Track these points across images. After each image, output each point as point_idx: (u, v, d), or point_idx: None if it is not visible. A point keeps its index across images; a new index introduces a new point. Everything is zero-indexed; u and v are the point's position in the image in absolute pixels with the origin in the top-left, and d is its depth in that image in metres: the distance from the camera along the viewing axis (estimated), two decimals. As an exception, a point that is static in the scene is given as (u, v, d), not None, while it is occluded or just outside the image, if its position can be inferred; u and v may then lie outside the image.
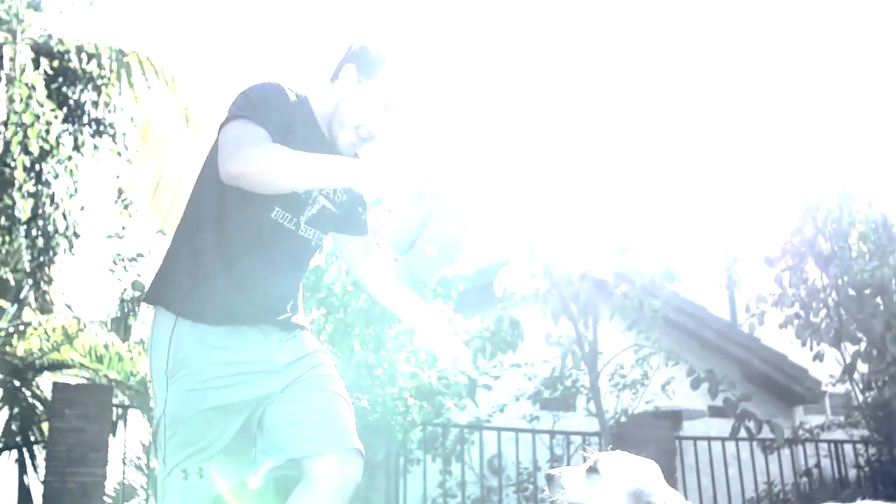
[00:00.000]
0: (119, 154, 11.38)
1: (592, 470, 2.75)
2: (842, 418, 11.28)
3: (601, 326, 8.26)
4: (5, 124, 9.47)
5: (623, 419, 9.06)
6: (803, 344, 8.84)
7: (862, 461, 9.85)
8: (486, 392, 7.64)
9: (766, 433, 8.52)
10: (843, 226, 8.42)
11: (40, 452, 10.00)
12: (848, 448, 10.07)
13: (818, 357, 8.93)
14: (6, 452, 10.11)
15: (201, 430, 2.81)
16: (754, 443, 9.14)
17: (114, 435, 7.02)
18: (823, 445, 10.07)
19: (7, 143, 9.57)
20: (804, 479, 9.75)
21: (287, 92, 2.90)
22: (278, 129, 2.76)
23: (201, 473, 2.80)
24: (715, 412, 11.24)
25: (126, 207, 11.15)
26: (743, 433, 8.08)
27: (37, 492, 9.62)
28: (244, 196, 2.73)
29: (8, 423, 10.54)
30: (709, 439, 9.10)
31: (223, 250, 2.83)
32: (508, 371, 8.13)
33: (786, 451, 10.11)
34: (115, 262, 6.77)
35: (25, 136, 9.67)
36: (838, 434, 10.82)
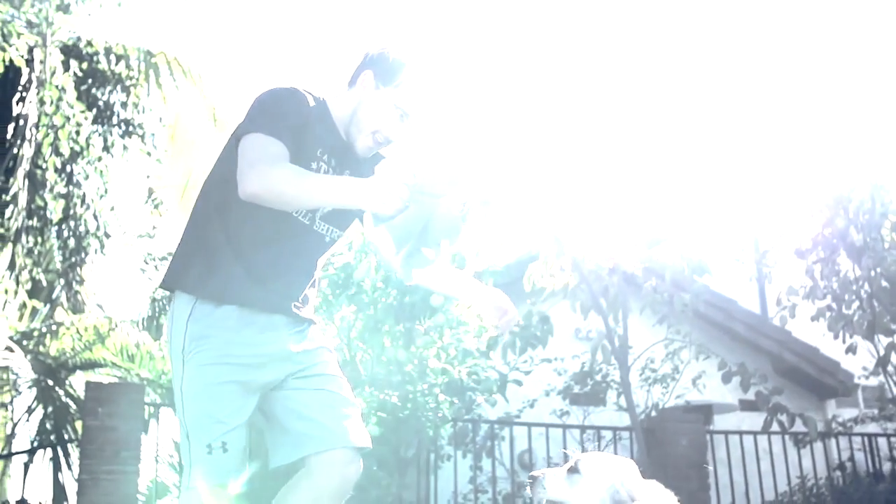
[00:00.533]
0: (149, 154, 11.47)
1: (573, 470, 2.84)
2: (875, 411, 11.17)
3: (631, 320, 8.22)
4: (37, 126, 9.57)
5: (654, 414, 9.02)
6: (836, 336, 8.75)
7: (896, 454, 9.77)
8: (517, 387, 7.62)
9: (799, 427, 8.45)
10: (876, 217, 8.31)
11: (74, 451, 10.10)
12: (882, 441, 9.97)
13: (851, 349, 8.84)
14: (41, 451, 10.20)
15: (220, 402, 2.85)
16: (786, 437, 9.07)
17: (146, 433, 7.08)
18: (857, 439, 9.98)
19: (39, 145, 9.66)
20: (837, 473, 9.67)
21: (303, 96, 2.99)
22: (294, 136, 2.86)
23: (225, 448, 2.83)
24: (746, 406, 11.18)
25: (156, 207, 11.24)
26: (775, 427, 8.03)
27: (71, 489, 9.72)
28: None
29: (42, 422, 10.65)
30: (740, 433, 9.04)
31: (239, 239, 2.92)
32: (538, 366, 8.11)
33: (818, 445, 10.02)
34: (145, 262, 6.84)
35: (56, 137, 9.76)
36: (872, 427, 10.71)
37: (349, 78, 3.15)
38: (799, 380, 12.26)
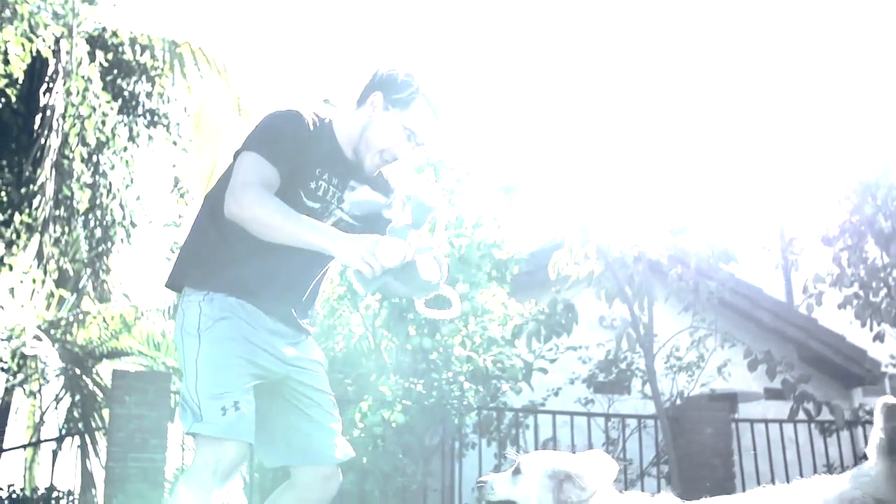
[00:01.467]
0: (174, 143, 11.53)
1: (516, 471, 3.12)
2: (903, 400, 11.09)
3: (656, 308, 8.19)
4: (63, 117, 9.63)
5: (679, 402, 8.99)
6: (863, 324, 8.68)
7: (924, 443, 9.67)
8: (541, 376, 7.62)
9: (825, 415, 8.39)
10: (904, 203, 8.24)
11: (101, 438, 10.19)
12: (910, 430, 9.89)
13: (878, 337, 8.76)
14: (69, 439, 10.31)
15: (232, 372, 3.02)
16: (812, 425, 9.02)
17: (172, 421, 7.13)
18: (884, 427, 9.90)
19: (65, 136, 9.73)
20: (864, 461, 9.60)
21: (303, 119, 3.14)
22: (290, 159, 3.05)
23: (237, 406, 2.96)
24: (771, 395, 11.12)
25: (182, 196, 11.30)
26: (801, 415, 7.98)
27: (99, 477, 9.81)
28: None
29: (70, 411, 10.76)
30: (766, 422, 9.00)
31: (247, 245, 3.06)
32: (563, 354, 8.10)
33: (844, 434, 9.95)
34: (171, 251, 6.87)
35: (83, 127, 9.83)
36: (900, 416, 10.62)
37: (358, 97, 3.28)
38: (825, 368, 12.19)
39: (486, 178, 6.90)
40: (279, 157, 3.03)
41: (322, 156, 3.18)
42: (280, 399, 3.25)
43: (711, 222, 8.41)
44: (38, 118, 9.39)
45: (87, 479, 9.85)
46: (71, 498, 6.48)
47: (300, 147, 3.11)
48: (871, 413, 10.28)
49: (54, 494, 6.26)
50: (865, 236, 8.53)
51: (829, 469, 8.87)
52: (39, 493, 6.42)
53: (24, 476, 11.06)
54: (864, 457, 8.68)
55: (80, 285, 12.12)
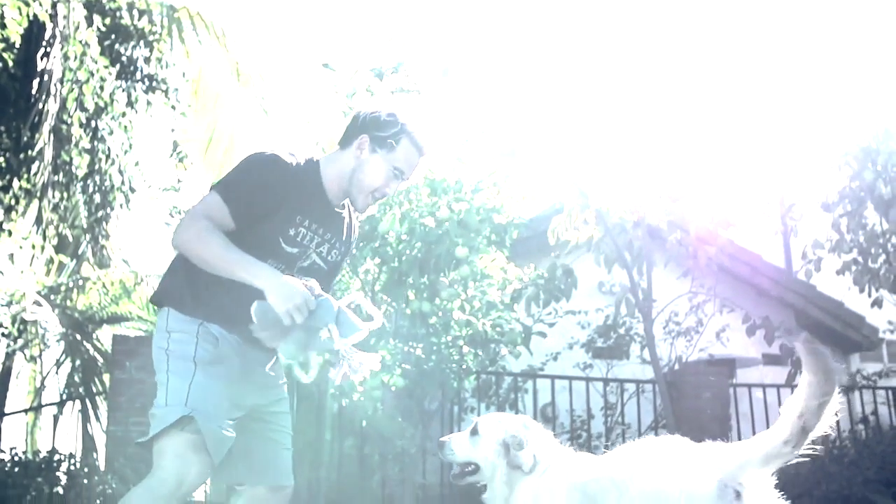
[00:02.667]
0: (173, 108, 11.47)
1: (474, 432, 3.37)
2: (900, 365, 11.15)
3: (655, 274, 8.20)
4: (61, 81, 9.57)
5: (677, 367, 9.03)
6: (861, 290, 8.70)
7: (920, 408, 9.74)
8: (540, 340, 7.64)
9: (822, 380, 8.43)
10: (905, 170, 8.22)
11: (102, 403, 10.23)
12: (906, 395, 9.95)
13: (877, 303, 8.79)
14: (70, 403, 10.36)
15: (222, 398, 3.18)
16: (810, 390, 9.06)
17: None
18: (881, 392, 9.96)
19: (63, 100, 9.68)
20: (860, 426, 9.66)
21: (284, 165, 3.26)
22: (259, 208, 3.21)
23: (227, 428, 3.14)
24: (769, 360, 11.17)
25: (181, 160, 11.27)
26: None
27: (100, 440, 9.87)
28: (248, 242, 3.17)
29: (71, 375, 10.81)
30: (763, 386, 9.05)
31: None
32: (562, 318, 8.12)
33: (842, 399, 10.00)
34: (171, 215, 6.87)
35: (81, 92, 9.77)
36: (896, 381, 10.70)
37: (342, 137, 3.42)
38: (823, 334, 12.22)
39: (485, 142, 6.88)
40: (239, 203, 3.17)
41: (304, 202, 3.32)
42: (248, 421, 3.37)
43: (711, 188, 8.41)
44: (35, 83, 9.33)
45: (88, 442, 9.92)
46: (73, 461, 6.52)
47: (277, 195, 3.24)
48: (868, 378, 10.36)
49: (56, 457, 6.29)
50: (865, 202, 8.53)
51: (826, 434, 8.91)
52: (41, 455, 6.44)
53: (26, 440, 11.14)
54: (862, 421, 8.77)
55: (80, 251, 12.13)
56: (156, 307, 3.48)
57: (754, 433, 8.58)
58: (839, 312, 12.09)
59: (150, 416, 3.20)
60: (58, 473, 6.30)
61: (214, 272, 3.13)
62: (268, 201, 3.23)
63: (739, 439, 8.40)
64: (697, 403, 8.30)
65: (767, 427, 8.54)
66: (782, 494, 7.84)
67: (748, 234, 11.02)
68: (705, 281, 8.67)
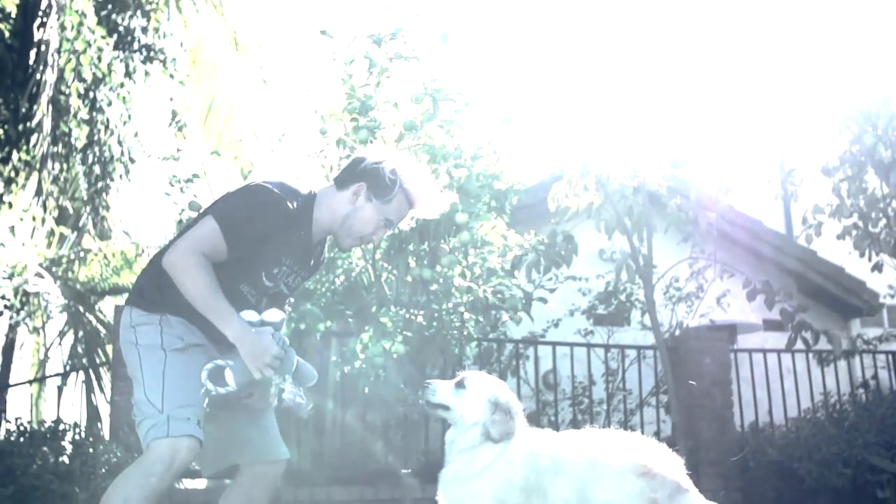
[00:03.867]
0: (171, 76, 11.43)
1: (460, 385, 3.52)
2: (900, 329, 11.18)
3: (655, 240, 8.20)
4: (59, 52, 9.54)
5: (678, 333, 9.06)
6: (862, 255, 8.71)
7: (920, 372, 9.77)
8: (541, 307, 7.66)
9: (823, 345, 8.45)
10: (906, 134, 8.20)
11: (105, 373, 10.27)
12: (906, 359, 9.99)
13: (877, 268, 8.80)
14: (73, 374, 10.40)
15: (196, 394, 3.31)
16: (810, 355, 9.10)
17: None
18: (881, 357, 10.00)
19: (61, 71, 9.65)
20: (861, 390, 9.71)
21: (283, 208, 3.37)
22: (251, 245, 3.36)
23: (199, 422, 3.28)
24: (770, 326, 11.20)
25: (180, 129, 11.24)
26: (799, 345, 8.03)
27: (104, 411, 9.92)
28: (230, 269, 3.36)
29: (74, 346, 10.85)
30: (764, 351, 9.08)
31: None
32: (563, 285, 8.13)
33: (842, 364, 10.05)
34: (171, 185, 6.86)
35: (78, 63, 9.74)
36: (896, 346, 10.73)
37: (340, 176, 3.58)
38: (824, 299, 12.26)
39: (485, 108, 6.86)
40: (238, 241, 3.32)
41: (293, 246, 3.50)
42: (226, 409, 3.53)
43: (711, 153, 8.39)
44: (32, 53, 9.30)
45: (92, 412, 9.97)
46: (77, 430, 6.56)
47: (272, 240, 3.40)
48: (868, 342, 10.39)
49: (61, 427, 6.32)
50: (865, 166, 8.51)
51: (826, 397, 8.96)
52: (46, 425, 6.48)
53: (31, 411, 11.19)
54: (863, 385, 8.80)
55: (81, 223, 12.14)
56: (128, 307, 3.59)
57: (755, 398, 8.63)
58: (840, 278, 12.10)
59: (134, 412, 3.36)
60: (63, 443, 6.33)
61: (194, 306, 3.29)
62: (263, 245, 3.40)
63: (740, 404, 8.49)
64: (698, 369, 8.31)
65: (768, 392, 8.54)
66: (783, 458, 7.87)
67: (748, 199, 11.01)
68: (705, 247, 8.67)
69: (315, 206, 3.52)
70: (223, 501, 3.69)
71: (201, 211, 3.60)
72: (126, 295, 10.54)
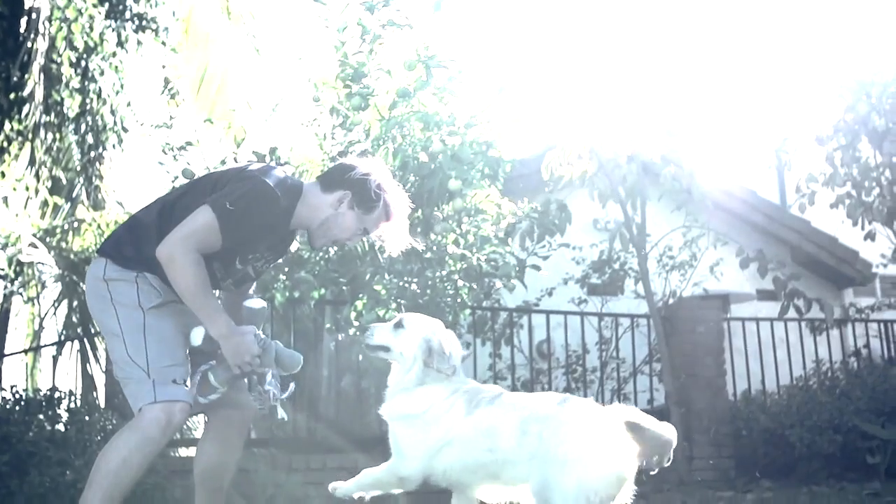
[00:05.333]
0: (163, 44, 11.35)
1: (399, 325, 3.66)
2: (893, 299, 11.21)
3: (649, 208, 8.22)
4: (49, 20, 9.47)
5: (671, 301, 9.09)
6: (855, 223, 8.74)
7: (912, 340, 9.83)
8: (535, 276, 7.68)
9: (815, 314, 8.50)
10: (900, 101, 8.20)
11: (100, 343, 10.25)
12: (898, 327, 10.04)
13: (870, 236, 8.84)
14: (69, 343, 10.39)
15: (178, 347, 3.47)
16: (803, 324, 9.14)
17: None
18: (873, 326, 10.04)
19: (52, 39, 9.58)
20: (853, 359, 9.76)
21: (279, 207, 3.50)
22: (242, 237, 3.46)
23: (185, 382, 3.42)
24: (763, 296, 11.23)
25: (173, 97, 11.18)
26: (792, 313, 8.07)
27: (99, 380, 9.93)
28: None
29: (69, 316, 10.82)
30: (757, 320, 9.12)
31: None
32: (557, 252, 8.14)
33: (835, 333, 10.09)
34: (164, 152, 6.85)
35: (70, 31, 9.67)
36: (889, 315, 10.77)
37: (326, 179, 3.72)
38: (817, 269, 12.29)
39: (479, 76, 6.85)
40: (232, 232, 3.40)
41: (274, 238, 3.66)
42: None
43: (705, 122, 8.39)
44: (23, 21, 9.23)
45: (87, 381, 9.96)
46: (73, 397, 6.58)
47: (262, 231, 3.53)
48: (860, 311, 10.43)
49: (56, 395, 6.35)
50: (859, 135, 8.53)
51: (818, 365, 9.01)
52: (42, 393, 6.51)
53: (26, 381, 11.18)
54: (854, 354, 8.82)
55: (74, 193, 12.08)
56: (95, 255, 3.66)
57: (748, 368, 8.65)
58: (833, 247, 12.13)
59: (117, 371, 3.46)
60: (59, 411, 6.35)
61: (180, 295, 3.39)
62: (252, 239, 3.53)
63: (733, 373, 8.53)
64: (692, 338, 8.35)
65: (761, 362, 8.58)
66: (775, 425, 7.92)
67: (742, 169, 11.02)
68: (699, 216, 8.69)
69: (300, 202, 3.62)
70: (200, 447, 3.80)
71: (193, 183, 3.66)
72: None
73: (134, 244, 3.50)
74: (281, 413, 3.60)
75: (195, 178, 3.83)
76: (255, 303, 3.77)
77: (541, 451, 3.36)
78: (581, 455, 3.32)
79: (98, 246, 10.79)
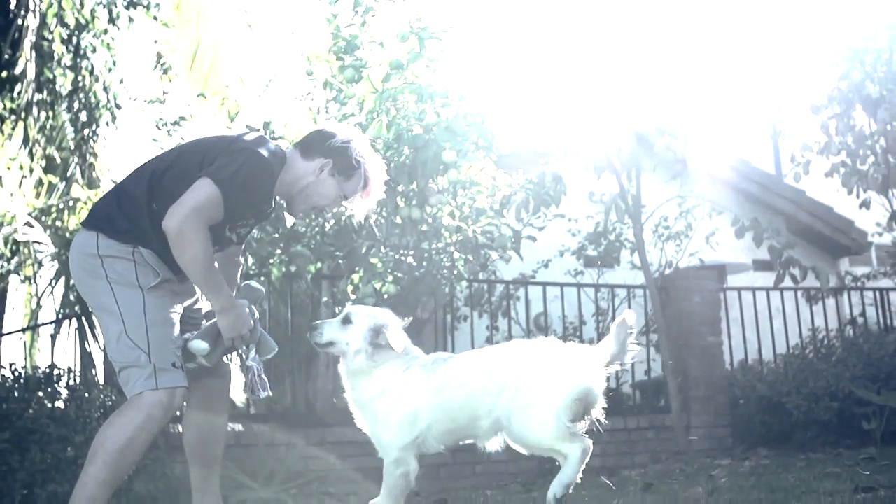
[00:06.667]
0: (155, 18, 11.29)
1: (346, 320, 3.76)
2: (888, 268, 11.25)
3: (644, 179, 8.22)
4: (39, -4, 9.43)
5: (668, 272, 9.10)
6: (850, 192, 8.76)
7: (907, 307, 9.87)
8: (531, 248, 7.69)
9: (811, 282, 8.52)
10: (894, 69, 8.19)
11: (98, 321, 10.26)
12: (894, 296, 10.06)
13: (865, 204, 8.86)
14: (66, 322, 10.42)
15: (174, 329, 3.47)
16: (799, 293, 9.16)
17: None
18: (869, 294, 10.08)
19: (43, 16, 9.53)
20: (849, 327, 9.80)
21: (273, 178, 3.55)
22: (239, 207, 3.47)
23: (182, 365, 3.42)
24: (759, 266, 11.27)
25: (165, 72, 11.14)
26: (787, 282, 8.09)
27: (98, 358, 9.96)
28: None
29: (66, 294, 10.84)
30: (753, 290, 9.14)
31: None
32: (552, 223, 8.14)
33: (830, 302, 10.13)
34: (157, 128, 6.84)
35: (60, 7, 9.62)
36: (884, 283, 10.81)
37: (306, 145, 3.70)
38: (813, 239, 12.32)
39: (472, 46, 6.81)
40: (233, 203, 3.39)
41: (262, 207, 3.67)
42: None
43: (699, 93, 8.38)
44: (13, -1, 9.19)
45: (86, 359, 10.00)
46: (72, 374, 6.60)
47: (258, 201, 3.57)
48: (856, 280, 10.47)
49: (55, 372, 6.35)
50: (853, 103, 8.53)
51: (814, 333, 9.04)
52: (41, 371, 6.51)
53: (25, 360, 11.21)
54: (850, 322, 8.83)
55: (69, 172, 12.07)
56: (82, 227, 3.57)
57: (745, 338, 8.67)
58: (828, 217, 12.16)
59: (113, 351, 3.39)
60: (58, 388, 6.35)
61: (183, 269, 3.38)
62: (247, 208, 3.56)
63: (730, 343, 8.57)
64: (688, 307, 8.37)
65: (757, 331, 8.57)
66: (772, 393, 7.95)
67: (737, 139, 11.02)
68: (694, 187, 8.70)
69: (284, 169, 3.62)
70: (186, 421, 3.81)
71: (178, 154, 3.63)
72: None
73: (127, 217, 3.45)
74: (265, 392, 3.65)
75: (180, 147, 3.76)
76: (256, 284, 3.84)
77: (508, 381, 3.64)
78: (545, 377, 3.63)
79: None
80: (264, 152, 3.49)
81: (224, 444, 3.92)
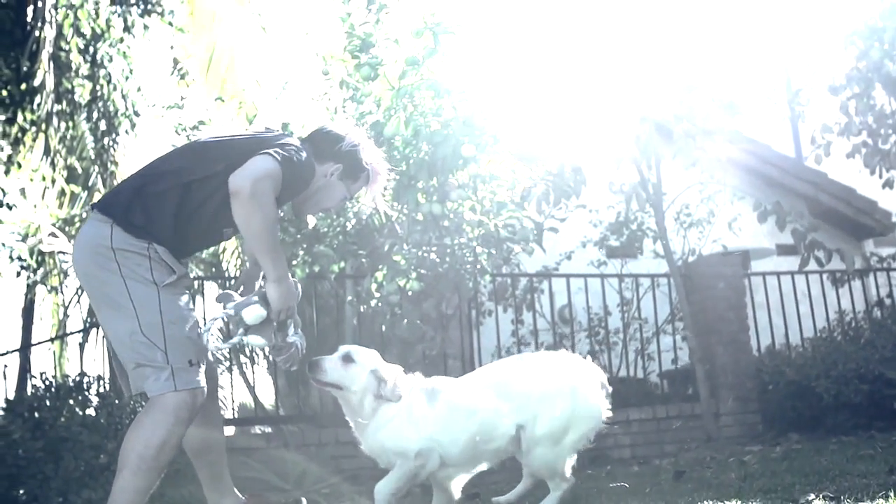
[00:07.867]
0: (170, 24, 11.35)
1: (348, 359, 3.95)
2: (913, 247, 11.15)
3: (664, 167, 8.18)
4: (55, 7, 9.48)
5: (691, 259, 9.06)
6: (872, 172, 8.69)
7: (935, 288, 9.77)
8: (553, 239, 7.66)
9: (836, 264, 8.45)
10: (913, 46, 8.12)
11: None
12: (921, 276, 9.98)
13: (888, 184, 8.78)
14: (94, 330, 10.49)
15: (191, 328, 3.42)
16: (824, 276, 9.10)
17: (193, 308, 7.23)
18: (895, 275, 9.99)
19: (60, 27, 9.60)
20: (876, 308, 9.71)
21: (310, 175, 3.62)
22: (290, 194, 3.56)
23: (200, 363, 3.42)
24: (783, 251, 11.20)
25: (182, 77, 11.20)
26: (812, 265, 8.03)
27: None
28: (223, 211, 3.36)
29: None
30: (778, 274, 9.08)
31: (185, 219, 3.45)
32: (574, 213, 8.12)
33: (856, 284, 10.05)
34: (177, 133, 6.87)
35: (76, 17, 9.70)
36: (910, 263, 10.71)
37: (317, 151, 3.68)
38: (836, 221, 12.23)
39: (488, 41, 6.81)
40: (290, 183, 3.43)
41: (284, 203, 3.70)
42: None
43: (717, 78, 8.32)
44: (30, 10, 9.25)
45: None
46: (101, 381, 6.64)
47: (288, 197, 3.59)
48: (882, 261, 10.38)
49: (85, 380, 6.40)
50: (873, 83, 8.45)
51: (841, 316, 8.98)
52: (71, 379, 6.57)
53: (55, 370, 11.30)
54: (877, 303, 8.74)
55: (90, 182, 12.16)
56: (93, 211, 3.50)
57: (771, 323, 8.61)
58: (851, 198, 12.06)
59: (127, 349, 3.33)
60: (88, 395, 6.40)
61: (249, 234, 3.34)
62: (284, 200, 3.59)
63: (756, 329, 8.51)
64: (713, 294, 8.33)
65: (784, 316, 8.52)
66: (800, 377, 7.87)
67: (756, 124, 10.94)
68: (715, 173, 8.65)
69: None
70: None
71: (202, 151, 3.62)
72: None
73: (145, 212, 3.37)
74: (296, 366, 3.69)
75: (198, 147, 3.71)
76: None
77: (520, 396, 3.97)
78: (558, 391, 3.97)
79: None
80: (305, 154, 3.55)
81: (224, 437, 3.92)
